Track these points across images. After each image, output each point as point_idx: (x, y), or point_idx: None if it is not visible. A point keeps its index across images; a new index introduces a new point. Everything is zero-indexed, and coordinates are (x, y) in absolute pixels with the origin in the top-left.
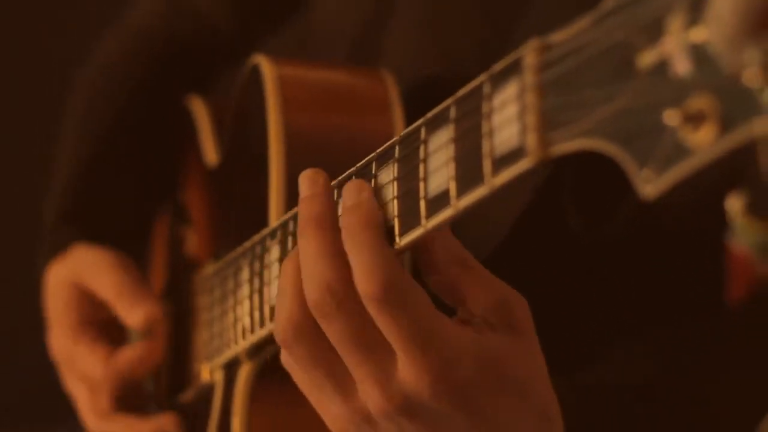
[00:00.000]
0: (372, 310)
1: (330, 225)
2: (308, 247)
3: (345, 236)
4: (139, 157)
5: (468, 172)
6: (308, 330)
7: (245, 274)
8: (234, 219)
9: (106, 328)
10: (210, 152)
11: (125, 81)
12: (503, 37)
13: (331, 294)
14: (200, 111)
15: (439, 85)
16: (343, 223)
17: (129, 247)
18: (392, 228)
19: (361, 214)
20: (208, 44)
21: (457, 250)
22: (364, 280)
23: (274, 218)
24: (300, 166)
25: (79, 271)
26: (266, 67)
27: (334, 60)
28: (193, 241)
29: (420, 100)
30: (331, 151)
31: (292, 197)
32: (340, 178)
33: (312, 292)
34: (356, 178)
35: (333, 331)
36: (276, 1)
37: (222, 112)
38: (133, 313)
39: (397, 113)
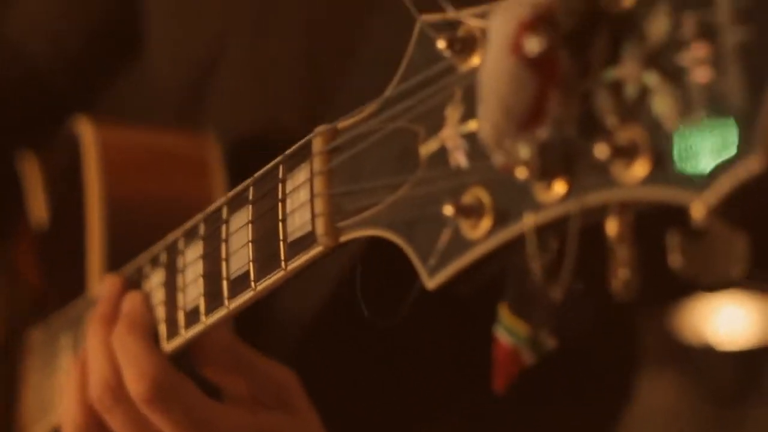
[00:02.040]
0: (144, 409)
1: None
2: (93, 344)
3: (113, 343)
4: None
5: (266, 256)
6: (92, 430)
7: (63, 341)
8: (58, 282)
9: None
10: (40, 211)
11: None
12: (325, 99)
13: (110, 389)
14: (31, 168)
15: (263, 146)
16: (115, 331)
17: None
18: (197, 308)
19: (128, 322)
20: (39, 95)
21: (226, 340)
22: (132, 383)
23: (94, 283)
24: (119, 231)
25: None
26: (87, 131)
27: (165, 115)
28: (26, 301)
29: (245, 160)
30: (150, 215)
31: (111, 261)
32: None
33: (94, 387)
34: (164, 253)
35: (116, 424)
36: (108, 49)
37: (52, 170)
38: None
39: (217, 176)
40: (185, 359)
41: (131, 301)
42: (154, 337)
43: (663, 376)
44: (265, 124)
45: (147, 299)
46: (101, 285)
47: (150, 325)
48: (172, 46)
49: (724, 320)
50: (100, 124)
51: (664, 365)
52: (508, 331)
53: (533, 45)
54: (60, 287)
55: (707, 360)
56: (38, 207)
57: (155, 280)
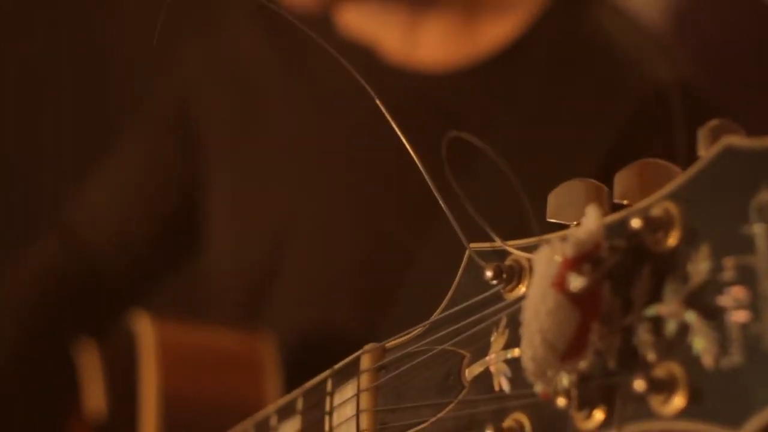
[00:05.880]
0: None
1: None
2: None
3: None
4: (24, 402)
5: None
6: None
7: None
8: None
9: None
10: (97, 401)
11: (13, 325)
12: (381, 304)
13: None
14: (91, 359)
15: (319, 347)
16: None
17: None
18: None
19: None
20: (101, 285)
21: None
22: None
23: None
24: (172, 428)
25: None
26: (144, 328)
27: (223, 312)
28: None
29: (301, 362)
30: (204, 414)
31: None
32: None
33: None
34: None
35: None
36: (169, 245)
37: (110, 362)
38: None
39: (272, 377)
40: None
41: None
42: None
43: None
44: (322, 327)
45: None
46: None
47: None
48: (232, 244)
49: None
50: (157, 321)
51: None
52: None
53: (577, 282)
54: None
55: None
56: (95, 397)
57: None
